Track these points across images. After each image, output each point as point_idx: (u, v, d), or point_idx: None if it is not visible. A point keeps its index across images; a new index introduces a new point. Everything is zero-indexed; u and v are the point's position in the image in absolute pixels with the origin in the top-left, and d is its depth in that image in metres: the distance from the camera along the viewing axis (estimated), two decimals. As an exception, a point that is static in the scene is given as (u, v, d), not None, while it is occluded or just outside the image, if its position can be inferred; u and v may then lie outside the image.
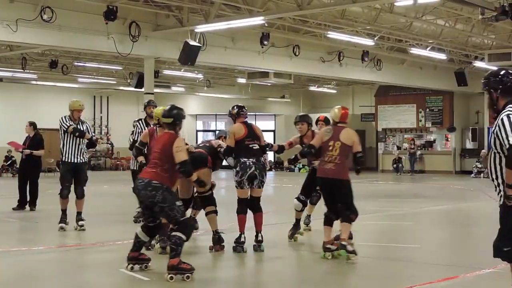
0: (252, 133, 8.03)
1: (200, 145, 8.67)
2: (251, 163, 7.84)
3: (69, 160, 9.73)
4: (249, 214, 8.07)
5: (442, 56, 23.25)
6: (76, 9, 15.83)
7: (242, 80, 28.60)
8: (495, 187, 4.59)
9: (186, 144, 7.24)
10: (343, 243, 7.39)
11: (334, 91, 34.16)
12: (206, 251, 7.98)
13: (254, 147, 7.95)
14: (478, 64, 24.52)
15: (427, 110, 30.47)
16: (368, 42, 20.11)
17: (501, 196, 4.52)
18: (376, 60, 24.03)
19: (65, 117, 9.80)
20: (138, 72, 22.63)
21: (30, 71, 25.34)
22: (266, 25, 18.10)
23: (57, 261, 7.96)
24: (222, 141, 8.42)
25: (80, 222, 9.83)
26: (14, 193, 13.26)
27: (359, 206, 7.71)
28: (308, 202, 9.41)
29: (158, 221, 6.72)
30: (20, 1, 14.90)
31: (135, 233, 6.85)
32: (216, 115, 33.57)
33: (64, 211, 9.80)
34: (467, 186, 21.45)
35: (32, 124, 13.17)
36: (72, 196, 9.76)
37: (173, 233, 6.37)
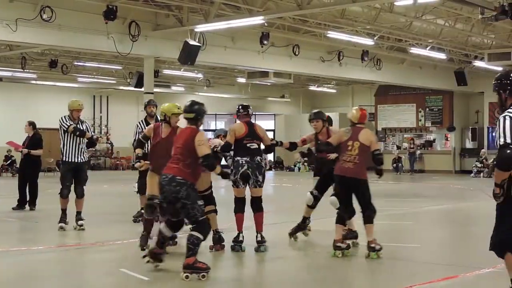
0: (252, 133, 8.04)
1: None
2: (243, 162, 7.87)
3: (70, 160, 9.73)
4: (250, 214, 8.08)
5: (442, 56, 23.25)
6: (76, 8, 15.82)
7: (242, 80, 28.61)
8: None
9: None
10: (371, 245, 7.56)
11: (334, 91, 34.16)
12: (206, 251, 7.96)
13: (252, 147, 7.97)
14: (478, 63, 24.54)
15: (427, 109, 30.48)
16: (368, 41, 20.11)
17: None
18: (376, 60, 24.04)
19: (64, 117, 9.80)
20: (138, 71, 22.65)
21: (30, 70, 25.32)
22: (266, 24, 18.10)
23: (57, 261, 7.96)
24: (221, 140, 8.43)
25: (80, 222, 9.84)
26: (13, 193, 13.25)
27: (358, 206, 7.73)
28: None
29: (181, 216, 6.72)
30: (19, 0, 14.90)
31: (158, 229, 6.86)
32: (216, 114, 33.56)
33: (64, 211, 9.81)
34: (466, 185, 21.45)
35: (32, 124, 13.16)
36: (72, 195, 9.77)
37: (191, 233, 6.40)
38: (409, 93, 30.20)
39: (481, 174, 26.18)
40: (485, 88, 27.76)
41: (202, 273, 6.34)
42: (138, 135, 10.59)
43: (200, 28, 16.91)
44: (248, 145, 7.97)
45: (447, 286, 6.44)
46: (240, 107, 8.31)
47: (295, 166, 31.90)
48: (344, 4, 15.41)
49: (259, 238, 8.01)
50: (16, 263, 7.68)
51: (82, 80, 28.61)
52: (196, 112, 6.77)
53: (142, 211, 10.68)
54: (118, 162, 31.91)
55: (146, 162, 8.18)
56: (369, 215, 7.60)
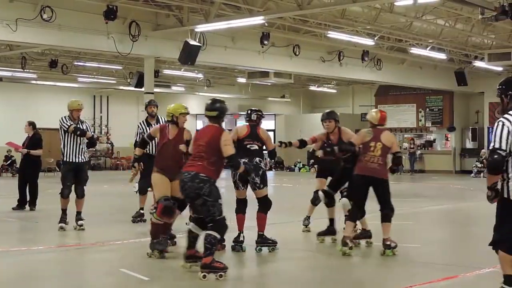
0: (254, 135, 8.10)
1: None
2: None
3: (70, 160, 9.73)
4: (251, 215, 8.08)
5: (442, 56, 23.25)
6: (76, 8, 15.82)
7: (242, 80, 28.62)
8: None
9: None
10: (387, 243, 7.80)
11: (334, 91, 34.17)
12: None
13: (251, 148, 8.03)
14: (478, 64, 24.53)
15: (427, 109, 30.48)
16: (368, 42, 20.11)
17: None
18: (376, 60, 24.03)
19: (65, 117, 9.80)
20: (138, 71, 22.64)
21: (30, 70, 25.32)
22: (266, 24, 18.09)
23: (57, 261, 7.96)
24: None
25: (80, 222, 9.84)
26: (14, 193, 13.25)
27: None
28: (310, 202, 9.43)
29: None
30: (20, 0, 14.90)
31: (187, 230, 6.85)
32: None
33: (64, 211, 9.81)
34: (467, 185, 21.45)
35: (31, 124, 13.15)
36: (72, 195, 9.77)
37: (208, 232, 6.42)
38: (409, 93, 30.20)
39: (481, 174, 26.13)
40: (485, 88, 27.80)
41: (220, 273, 6.36)
42: (139, 136, 10.64)
43: (200, 28, 16.91)
44: (248, 146, 8.02)
45: (447, 286, 6.44)
46: (248, 111, 8.39)
47: (295, 166, 31.91)
48: (344, 4, 15.41)
49: (258, 239, 8.05)
50: (16, 263, 7.68)
51: (82, 80, 28.60)
52: (218, 110, 6.79)
53: (142, 211, 10.74)
54: (118, 162, 31.89)
55: (140, 167, 8.38)
56: (387, 213, 7.87)
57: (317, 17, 17.91)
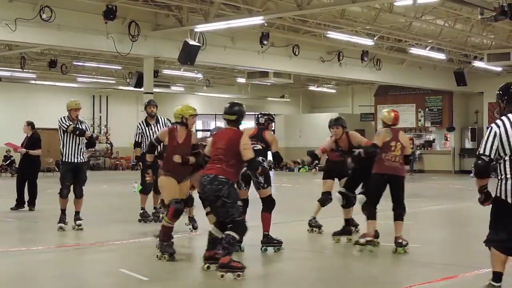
0: (260, 136, 8.14)
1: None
2: None
3: (69, 160, 9.73)
4: (253, 215, 8.07)
5: (441, 56, 23.26)
6: (75, 8, 15.82)
7: (241, 80, 28.61)
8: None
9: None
10: (399, 241, 7.95)
11: (334, 91, 34.18)
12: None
13: (255, 147, 8.01)
14: (478, 64, 24.54)
15: (427, 109, 30.48)
16: (368, 42, 20.11)
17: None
18: (375, 60, 24.04)
19: (64, 117, 9.80)
20: (138, 71, 22.63)
21: (29, 70, 25.31)
22: (265, 24, 18.10)
23: (56, 261, 7.94)
24: None
25: (78, 222, 9.83)
26: (13, 193, 13.24)
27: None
28: (317, 201, 9.43)
29: None
30: (19, 0, 14.89)
31: (208, 232, 6.87)
32: (215, 114, 33.54)
33: (63, 211, 9.80)
34: (466, 185, 21.46)
35: (30, 124, 13.12)
36: (71, 196, 9.76)
37: (227, 232, 6.45)
38: (408, 93, 30.20)
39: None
40: (485, 88, 27.81)
41: (238, 272, 6.37)
42: (139, 136, 10.63)
43: (200, 28, 16.91)
44: (251, 145, 8.00)
45: (446, 286, 6.44)
46: (258, 115, 8.50)
47: (294, 166, 31.89)
48: (344, 4, 15.42)
49: (264, 239, 8.07)
50: (16, 263, 7.67)
51: (82, 80, 28.60)
52: (237, 114, 6.84)
53: (142, 211, 10.72)
54: (117, 162, 31.88)
55: (152, 174, 8.34)
56: (400, 213, 8.03)
57: (316, 17, 17.92)
